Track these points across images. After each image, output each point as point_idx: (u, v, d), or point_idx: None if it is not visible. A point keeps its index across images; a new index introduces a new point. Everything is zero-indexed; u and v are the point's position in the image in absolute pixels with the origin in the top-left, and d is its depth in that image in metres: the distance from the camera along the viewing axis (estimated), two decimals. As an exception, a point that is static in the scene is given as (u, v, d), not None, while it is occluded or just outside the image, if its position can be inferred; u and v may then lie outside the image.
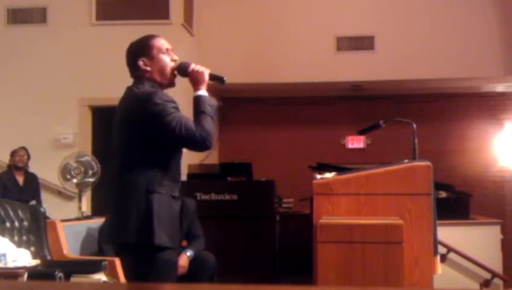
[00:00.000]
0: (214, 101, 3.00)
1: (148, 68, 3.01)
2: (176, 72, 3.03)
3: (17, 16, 7.77)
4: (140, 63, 3.02)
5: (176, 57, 3.06)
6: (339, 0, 8.49)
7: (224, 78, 3.05)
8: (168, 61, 3.03)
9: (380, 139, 8.63)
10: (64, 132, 7.50)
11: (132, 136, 2.95)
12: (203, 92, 2.99)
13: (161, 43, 3.07)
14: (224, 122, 9.34)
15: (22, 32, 7.67)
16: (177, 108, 2.91)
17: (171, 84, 3.06)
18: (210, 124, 2.90)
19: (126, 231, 2.85)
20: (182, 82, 3.16)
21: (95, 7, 7.64)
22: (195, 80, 3.01)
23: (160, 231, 2.82)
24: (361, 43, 8.39)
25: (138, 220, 2.83)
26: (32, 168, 7.02)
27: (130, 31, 7.50)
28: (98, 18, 7.66)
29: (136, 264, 2.93)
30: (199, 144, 2.87)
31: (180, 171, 3.03)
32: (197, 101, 2.96)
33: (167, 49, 3.06)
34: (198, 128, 2.86)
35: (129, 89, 3.03)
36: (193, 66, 3.02)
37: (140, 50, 3.08)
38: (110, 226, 3.05)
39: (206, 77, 3.01)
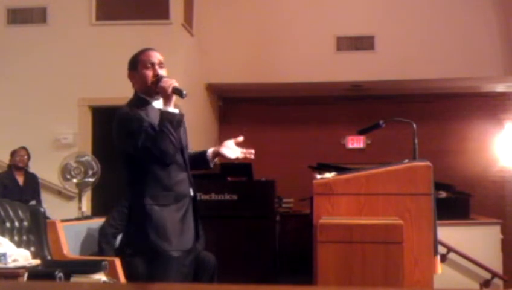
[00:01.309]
0: (177, 116, 3.04)
1: (134, 82, 3.17)
2: (153, 87, 3.11)
3: (17, 16, 7.77)
4: (129, 76, 3.19)
5: (160, 72, 3.12)
6: (339, 0, 8.48)
7: (184, 92, 3.07)
8: (149, 76, 3.11)
9: (380, 139, 8.63)
10: (64, 132, 7.50)
11: (118, 154, 3.17)
12: (165, 107, 3.06)
13: (147, 57, 3.15)
14: (224, 122, 9.34)
15: (22, 32, 7.67)
16: (140, 127, 3.01)
17: (156, 96, 3.13)
18: (167, 143, 2.98)
19: (137, 241, 3.10)
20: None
21: (95, 7, 7.63)
22: (161, 95, 3.09)
23: (157, 238, 3.00)
24: (361, 43, 8.39)
25: (138, 231, 3.05)
26: (32, 168, 7.02)
27: (130, 31, 7.58)
28: (98, 18, 7.66)
29: (147, 269, 3.11)
30: (158, 161, 3.02)
31: (177, 177, 3.09)
32: (160, 117, 3.04)
33: (152, 63, 3.13)
34: (153, 148, 2.98)
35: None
36: (161, 82, 3.07)
37: (130, 64, 3.20)
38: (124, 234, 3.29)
39: (169, 92, 3.05)
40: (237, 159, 3.23)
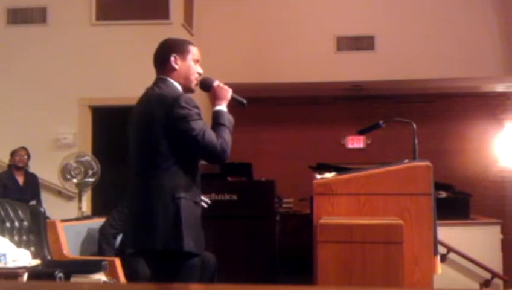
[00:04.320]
0: (232, 118, 3.06)
1: (177, 67, 3.00)
2: (198, 84, 3.07)
3: (17, 16, 7.76)
4: (172, 58, 3.00)
5: (201, 71, 3.09)
6: (339, 0, 8.48)
7: (245, 102, 3.15)
8: (195, 71, 3.05)
9: (380, 139, 8.63)
10: (64, 132, 7.50)
11: (155, 139, 2.87)
12: (223, 107, 3.06)
13: (196, 52, 3.10)
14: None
15: (22, 32, 7.67)
16: (200, 115, 2.93)
17: (190, 92, 3.07)
18: (229, 137, 2.96)
19: (154, 237, 2.83)
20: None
21: (95, 7, 7.63)
22: (218, 95, 3.06)
23: (188, 238, 2.84)
24: (361, 43, 8.38)
25: (166, 227, 2.82)
26: (32, 168, 7.02)
27: (130, 31, 7.58)
28: (98, 18, 7.66)
29: (162, 270, 2.91)
30: (218, 155, 2.90)
31: (199, 174, 3.03)
32: (218, 114, 3.01)
33: (197, 60, 3.09)
34: (219, 139, 2.90)
35: (150, 89, 3.00)
36: (218, 82, 3.08)
37: (176, 47, 3.06)
38: (134, 231, 2.98)
39: (229, 96, 3.08)
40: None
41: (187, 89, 3.02)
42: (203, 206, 3.09)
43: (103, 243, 5.06)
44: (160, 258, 2.88)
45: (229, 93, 3.08)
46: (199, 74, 3.06)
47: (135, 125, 3.00)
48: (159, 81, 3.00)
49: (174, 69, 3.00)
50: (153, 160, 2.89)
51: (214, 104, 3.05)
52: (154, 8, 7.68)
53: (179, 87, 2.99)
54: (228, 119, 3.01)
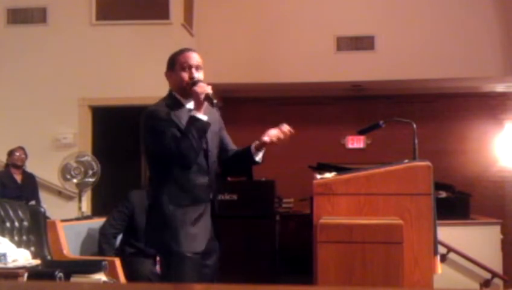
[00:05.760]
0: (201, 124, 3.07)
1: (171, 81, 3.20)
2: (188, 90, 3.16)
3: (17, 16, 7.76)
4: (166, 75, 3.22)
5: (196, 75, 3.16)
6: (339, 0, 8.48)
7: (215, 102, 3.18)
8: (185, 78, 3.15)
9: (380, 139, 8.62)
10: (64, 132, 7.50)
11: (143, 152, 3.24)
12: (195, 113, 3.09)
13: (185, 59, 3.18)
14: (224, 122, 9.32)
15: (22, 32, 7.67)
16: (166, 126, 3.04)
17: (189, 98, 3.17)
18: (187, 146, 3.02)
19: (153, 240, 3.17)
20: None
21: (95, 7, 7.63)
22: (194, 100, 3.13)
23: (170, 238, 3.04)
24: (361, 43, 8.38)
25: (157, 230, 3.10)
26: (32, 168, 7.02)
27: (130, 31, 7.58)
28: (98, 18, 7.65)
29: (164, 270, 3.20)
30: (178, 162, 3.06)
31: (196, 180, 3.13)
32: (187, 121, 3.08)
33: (190, 66, 3.16)
34: (175, 149, 3.02)
35: None
36: (195, 87, 3.11)
37: (169, 63, 3.23)
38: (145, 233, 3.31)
39: (201, 99, 3.09)
40: (278, 139, 3.19)
41: (184, 96, 3.18)
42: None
43: (103, 243, 5.06)
44: (163, 259, 3.18)
45: (200, 96, 3.09)
46: (191, 78, 3.14)
47: None
48: (167, 94, 3.25)
49: (170, 83, 3.21)
50: (148, 169, 3.25)
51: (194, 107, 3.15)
52: (154, 8, 7.68)
53: (178, 97, 3.18)
54: (195, 126, 3.05)
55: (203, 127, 3.08)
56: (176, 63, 3.17)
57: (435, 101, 9.14)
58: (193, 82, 3.12)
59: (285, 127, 3.19)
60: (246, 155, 3.28)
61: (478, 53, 8.16)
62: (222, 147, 3.34)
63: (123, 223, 5.04)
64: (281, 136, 3.18)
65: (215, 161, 3.24)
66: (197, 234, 3.08)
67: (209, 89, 3.10)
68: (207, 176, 3.16)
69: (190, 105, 3.15)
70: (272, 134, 3.20)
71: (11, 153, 6.83)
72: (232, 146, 3.41)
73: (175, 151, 3.01)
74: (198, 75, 3.17)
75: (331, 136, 9.17)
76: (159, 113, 3.09)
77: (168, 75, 3.20)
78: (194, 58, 3.19)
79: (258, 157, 3.26)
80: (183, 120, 3.08)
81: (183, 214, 3.06)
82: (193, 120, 3.06)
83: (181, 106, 3.15)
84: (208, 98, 3.10)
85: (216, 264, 3.25)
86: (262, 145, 3.23)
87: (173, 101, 3.15)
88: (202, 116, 3.08)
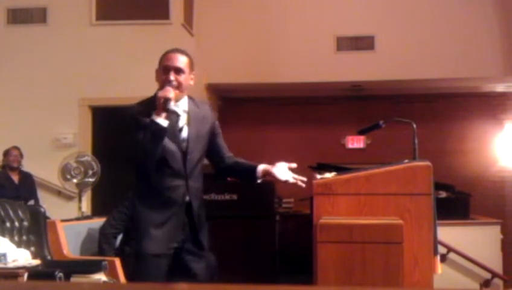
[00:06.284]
0: (159, 128, 3.02)
1: (156, 80, 3.19)
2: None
3: (17, 16, 7.77)
4: (155, 72, 3.21)
5: (172, 78, 3.11)
6: (339, 0, 8.48)
7: (170, 108, 3.07)
8: (161, 79, 3.13)
9: (380, 139, 8.62)
10: (64, 132, 7.50)
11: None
12: (154, 116, 3.04)
13: (165, 60, 3.16)
14: (224, 122, 9.33)
15: (22, 32, 7.67)
16: (137, 127, 3.03)
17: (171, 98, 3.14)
18: (140, 148, 3.02)
19: (123, 241, 3.30)
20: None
21: (95, 7, 7.63)
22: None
23: (135, 239, 3.09)
24: (361, 43, 8.38)
25: (127, 229, 3.22)
26: (32, 168, 7.01)
27: (130, 31, 7.58)
28: (98, 18, 7.66)
29: (132, 269, 3.28)
30: (137, 162, 3.12)
31: (169, 182, 3.11)
32: (148, 123, 3.06)
33: (168, 68, 3.12)
34: (137, 151, 3.05)
35: None
36: (160, 92, 3.08)
37: (159, 60, 3.22)
38: None
39: (160, 102, 3.03)
40: (287, 181, 3.20)
41: (157, 96, 3.13)
42: (205, 204, 3.28)
43: (103, 243, 5.06)
44: (128, 258, 3.28)
45: (159, 102, 3.03)
46: (168, 80, 3.10)
47: None
48: None
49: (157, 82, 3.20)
50: None
51: None
52: (154, 8, 7.68)
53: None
54: (151, 129, 3.01)
55: (159, 132, 3.02)
56: (159, 64, 3.17)
57: (435, 101, 9.14)
58: (163, 85, 3.09)
59: (296, 176, 3.21)
60: (249, 174, 3.26)
61: (478, 53, 8.17)
62: (215, 152, 3.31)
63: (123, 223, 5.05)
64: (291, 180, 3.19)
65: (196, 164, 3.19)
66: (159, 235, 3.06)
67: (171, 94, 3.02)
68: (182, 179, 3.12)
69: (171, 106, 3.10)
70: (287, 175, 3.21)
71: (6, 154, 6.80)
72: (227, 152, 3.36)
73: (137, 152, 3.04)
74: (178, 77, 3.10)
75: (331, 136, 9.17)
76: (131, 112, 3.10)
77: (156, 73, 3.20)
78: (174, 60, 3.12)
79: (259, 180, 3.28)
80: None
81: (149, 215, 3.07)
82: (150, 123, 3.02)
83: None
84: (165, 102, 3.02)
85: (204, 268, 3.20)
86: (268, 173, 3.24)
87: (153, 102, 3.09)
88: (162, 120, 3.02)
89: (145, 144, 2.99)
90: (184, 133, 3.15)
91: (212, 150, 3.29)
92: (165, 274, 3.07)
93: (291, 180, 3.19)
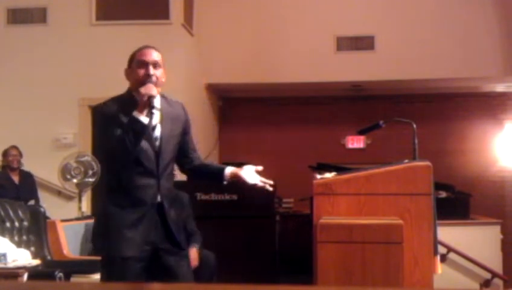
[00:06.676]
0: (138, 125, 2.98)
1: (129, 79, 3.14)
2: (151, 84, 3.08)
3: (17, 16, 7.76)
4: (125, 72, 3.17)
5: (151, 72, 3.06)
6: (339, 0, 8.48)
7: (155, 108, 3.05)
8: (140, 74, 3.06)
9: (380, 139, 8.62)
10: (64, 132, 7.50)
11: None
12: (138, 114, 3.00)
13: (142, 55, 3.10)
14: (224, 122, 9.34)
15: (22, 32, 7.66)
16: (108, 124, 3.00)
17: (146, 95, 3.05)
18: (122, 147, 2.97)
19: (93, 240, 3.20)
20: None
21: (95, 7, 7.63)
22: (138, 98, 3.05)
23: (99, 240, 3.06)
24: (361, 43, 8.38)
25: (96, 230, 3.12)
26: (32, 168, 7.01)
27: (130, 31, 7.57)
28: (98, 18, 7.65)
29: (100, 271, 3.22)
30: (113, 162, 3.06)
31: (138, 181, 3.04)
32: (128, 121, 3.01)
33: (146, 63, 3.07)
34: (110, 148, 3.02)
35: None
36: (141, 87, 3.03)
37: (129, 60, 3.16)
38: None
39: (144, 99, 3.00)
40: (255, 185, 3.18)
41: (140, 93, 3.05)
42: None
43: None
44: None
45: (144, 98, 3.00)
46: (147, 75, 3.05)
47: None
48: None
49: (128, 80, 3.14)
50: None
51: None
52: (154, 8, 7.67)
53: (131, 94, 3.08)
54: (133, 128, 2.98)
55: (142, 130, 2.98)
56: (133, 60, 3.11)
57: (435, 101, 9.14)
58: (144, 81, 3.04)
59: (263, 179, 3.21)
60: (217, 175, 3.23)
61: (478, 53, 8.17)
62: (182, 152, 3.23)
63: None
64: (259, 184, 3.18)
65: (168, 163, 3.13)
66: (131, 237, 2.97)
67: (154, 92, 3.00)
68: (154, 179, 3.05)
69: (155, 102, 3.06)
70: (255, 178, 3.19)
71: (5, 154, 6.75)
72: (194, 153, 3.29)
73: (109, 150, 3.01)
74: (156, 72, 3.06)
75: (331, 136, 9.17)
76: (102, 109, 3.08)
77: (126, 72, 3.13)
78: (151, 54, 3.08)
79: (226, 182, 3.24)
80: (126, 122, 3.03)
81: (119, 215, 2.99)
82: (133, 121, 2.98)
83: (136, 105, 3.02)
84: (149, 101, 2.99)
85: (185, 267, 3.13)
86: (236, 176, 3.19)
87: (128, 100, 3.04)
88: (143, 118, 2.99)
89: (125, 142, 2.94)
90: (157, 132, 3.09)
91: (181, 150, 3.22)
92: (138, 277, 2.97)
93: (260, 183, 3.18)
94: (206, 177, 3.36)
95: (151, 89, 3.00)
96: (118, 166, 3.03)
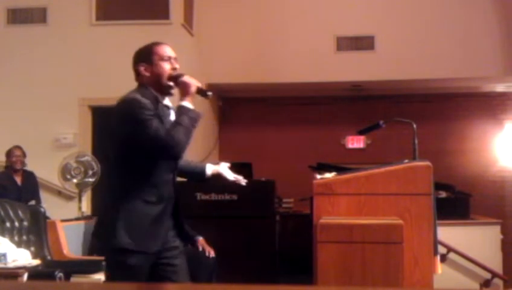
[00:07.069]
0: (195, 114, 2.98)
1: (147, 74, 3.06)
2: (170, 80, 3.06)
3: (17, 16, 7.76)
4: (141, 68, 3.08)
5: (177, 66, 3.09)
6: (339, 0, 8.48)
7: (209, 93, 3.10)
8: (167, 68, 3.06)
9: (380, 139, 8.63)
10: (64, 132, 7.50)
11: (112, 142, 3.06)
12: (186, 103, 3.00)
13: (164, 50, 3.10)
14: (224, 122, 9.33)
15: (22, 32, 7.67)
16: (152, 115, 2.93)
17: (168, 92, 3.07)
18: (182, 135, 2.91)
19: (99, 233, 3.05)
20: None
21: (95, 7, 7.63)
22: (182, 90, 3.04)
23: (121, 234, 2.90)
24: (361, 43, 8.38)
25: (106, 223, 2.97)
26: (33, 168, 7.00)
27: (130, 31, 7.58)
28: (98, 18, 7.66)
29: (106, 265, 3.07)
30: (166, 152, 2.93)
31: (164, 177, 3.03)
32: (177, 111, 2.99)
33: (169, 57, 3.09)
34: (168, 137, 2.88)
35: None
36: (184, 78, 3.03)
37: (142, 56, 3.11)
38: (95, 227, 3.23)
39: (193, 90, 3.02)
40: (234, 181, 3.31)
41: (163, 89, 3.06)
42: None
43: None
44: (106, 253, 3.03)
45: (192, 87, 3.01)
46: (174, 68, 3.07)
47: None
48: (137, 87, 3.11)
49: (145, 76, 3.07)
50: (111, 162, 3.08)
51: (180, 99, 3.04)
52: (154, 8, 7.68)
53: (153, 91, 3.04)
54: (188, 115, 2.95)
55: (197, 117, 2.98)
56: (154, 54, 3.06)
57: (435, 101, 9.15)
58: (178, 74, 3.04)
59: (237, 176, 3.34)
60: (199, 173, 3.31)
61: (478, 53, 8.17)
62: None
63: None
64: (233, 180, 3.32)
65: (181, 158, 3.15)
66: (154, 234, 2.96)
67: (197, 82, 3.03)
68: (172, 174, 3.07)
69: (166, 101, 3.07)
70: (228, 175, 3.31)
71: (9, 155, 6.66)
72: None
73: (165, 140, 2.87)
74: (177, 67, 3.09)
75: (331, 136, 9.17)
76: (142, 101, 2.95)
77: (143, 67, 3.06)
78: (171, 50, 3.11)
79: (206, 178, 3.32)
80: (163, 117, 2.97)
81: (147, 210, 2.95)
82: (186, 109, 2.95)
83: (157, 102, 3.01)
84: (200, 90, 3.03)
85: (185, 264, 3.12)
86: (217, 173, 3.29)
87: (150, 96, 3.00)
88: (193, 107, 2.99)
89: (185, 133, 2.90)
90: None
91: None
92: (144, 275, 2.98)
93: (233, 179, 3.31)
94: (187, 174, 3.35)
95: (194, 80, 3.03)
96: (151, 160, 2.98)
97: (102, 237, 3.02)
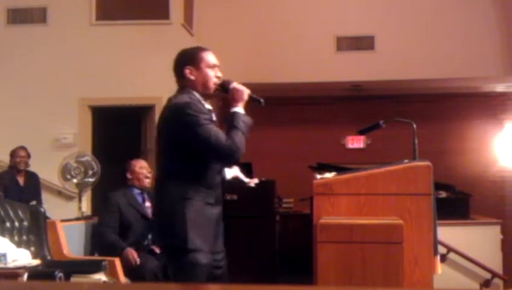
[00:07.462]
0: (249, 119, 3.12)
1: (193, 78, 3.12)
2: (218, 88, 3.15)
3: (17, 16, 7.76)
4: (187, 71, 3.13)
5: (220, 74, 3.16)
6: (339, 0, 8.48)
7: (262, 101, 3.22)
8: (212, 76, 3.14)
9: (380, 139, 8.62)
10: (64, 132, 7.50)
11: (168, 145, 3.09)
12: (239, 109, 3.11)
13: (210, 58, 3.17)
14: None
15: (22, 32, 7.66)
16: (209, 120, 3.02)
17: (210, 98, 3.19)
18: (240, 139, 3.04)
19: (163, 235, 3.09)
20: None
21: (95, 7, 7.63)
22: (234, 97, 3.12)
23: (193, 235, 2.96)
24: (361, 43, 8.38)
25: (174, 224, 3.00)
26: (33, 168, 7.00)
27: (130, 31, 7.58)
28: (98, 18, 7.66)
29: (173, 265, 3.10)
30: (227, 156, 3.03)
31: (217, 179, 3.15)
32: (233, 116, 3.08)
33: (214, 65, 3.16)
34: (228, 141, 2.99)
35: (169, 99, 3.14)
36: (234, 84, 3.13)
37: (188, 59, 3.16)
38: (156, 228, 3.34)
39: (245, 96, 3.13)
40: (248, 183, 3.44)
41: (207, 95, 3.15)
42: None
43: (110, 237, 5.06)
44: (171, 253, 3.08)
45: (245, 94, 3.13)
46: (218, 77, 3.15)
47: (157, 133, 3.21)
48: (179, 90, 3.16)
49: (190, 80, 3.12)
50: (167, 165, 3.09)
51: (231, 105, 3.13)
52: (154, 8, 7.68)
53: (197, 95, 3.11)
54: (243, 120, 3.08)
55: (250, 122, 3.14)
56: (201, 60, 3.13)
57: (435, 101, 9.14)
58: (225, 81, 3.13)
59: (261, 173, 3.49)
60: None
61: (478, 53, 8.17)
62: None
63: (116, 222, 5.06)
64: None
65: None
66: (216, 234, 3.12)
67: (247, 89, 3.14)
68: (220, 176, 3.19)
69: (208, 105, 3.14)
70: (245, 177, 3.45)
71: (13, 155, 6.64)
72: None
73: (227, 146, 2.98)
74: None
75: (331, 136, 9.17)
76: (197, 105, 3.03)
77: (189, 70, 3.12)
78: (215, 58, 3.21)
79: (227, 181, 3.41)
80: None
81: (210, 212, 3.06)
82: (242, 116, 3.08)
83: (203, 105, 3.10)
84: (253, 98, 3.16)
85: (226, 265, 3.28)
86: (236, 179, 3.46)
87: (196, 100, 3.08)
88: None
89: (239, 139, 3.01)
90: None
91: None
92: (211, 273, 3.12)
93: (248, 181, 3.43)
94: None
95: (245, 88, 3.14)
96: (207, 164, 3.06)
97: (171, 238, 3.03)
